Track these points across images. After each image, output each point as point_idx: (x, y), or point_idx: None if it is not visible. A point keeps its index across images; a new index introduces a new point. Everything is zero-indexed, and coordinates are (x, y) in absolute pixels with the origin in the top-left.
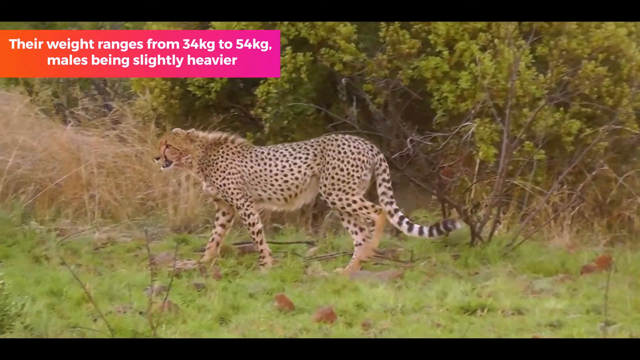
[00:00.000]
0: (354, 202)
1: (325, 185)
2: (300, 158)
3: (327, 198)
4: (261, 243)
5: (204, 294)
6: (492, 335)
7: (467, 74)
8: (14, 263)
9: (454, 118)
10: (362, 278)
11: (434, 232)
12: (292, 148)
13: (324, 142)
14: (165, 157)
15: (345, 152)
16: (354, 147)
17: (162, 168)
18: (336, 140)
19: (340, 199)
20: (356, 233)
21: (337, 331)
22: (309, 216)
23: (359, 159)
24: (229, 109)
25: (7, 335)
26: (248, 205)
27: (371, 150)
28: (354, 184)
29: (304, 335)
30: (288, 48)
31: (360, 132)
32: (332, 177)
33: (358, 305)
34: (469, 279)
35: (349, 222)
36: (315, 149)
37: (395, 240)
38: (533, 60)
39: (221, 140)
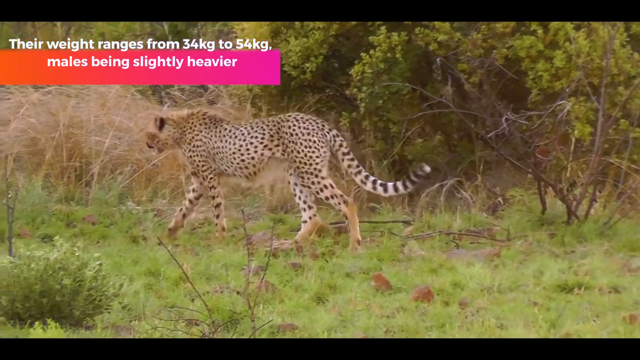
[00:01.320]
0: (325, 187)
1: (295, 169)
2: (256, 137)
3: (302, 182)
4: (217, 217)
5: (301, 273)
6: (589, 314)
7: (562, 53)
8: (111, 243)
9: (548, 97)
10: (458, 257)
11: (408, 184)
12: (251, 127)
13: (279, 123)
14: (147, 144)
15: (297, 134)
16: (304, 128)
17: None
18: (287, 121)
19: (312, 183)
20: (304, 210)
21: (434, 310)
22: (405, 195)
23: (310, 139)
24: (324, 89)
25: (106, 315)
26: (211, 178)
27: (322, 129)
28: (317, 164)
29: (402, 315)
30: (383, 28)
31: (455, 111)
32: (295, 161)
33: (455, 284)
34: (565, 257)
35: (299, 197)
36: (271, 129)
37: (492, 219)
38: (627, 39)
39: (193, 113)
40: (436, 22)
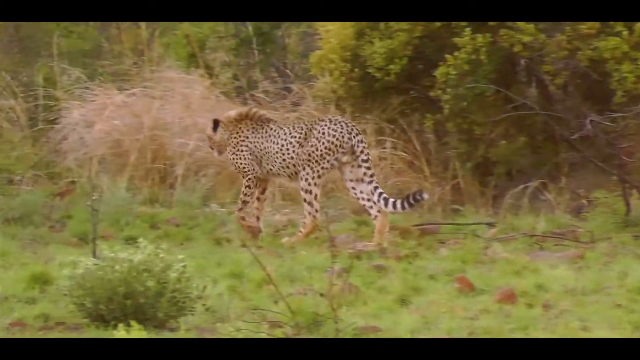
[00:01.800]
0: (310, 191)
1: (306, 160)
2: (295, 137)
3: (301, 173)
4: (240, 210)
5: (384, 275)
6: None
7: None
8: (195, 245)
9: (633, 98)
10: (542, 259)
11: (405, 205)
12: (292, 127)
13: (315, 123)
14: (209, 146)
15: (323, 134)
16: (332, 129)
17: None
18: (322, 121)
19: (307, 177)
20: (371, 208)
21: (518, 312)
22: (489, 197)
23: (329, 141)
24: (409, 91)
25: (189, 317)
26: (249, 179)
27: (349, 133)
28: (323, 168)
29: (485, 317)
30: (467, 29)
31: (539, 112)
32: (310, 155)
33: (538, 286)
34: None
35: (361, 198)
36: (309, 129)
37: (576, 221)
38: None
39: (241, 114)
40: (521, 24)
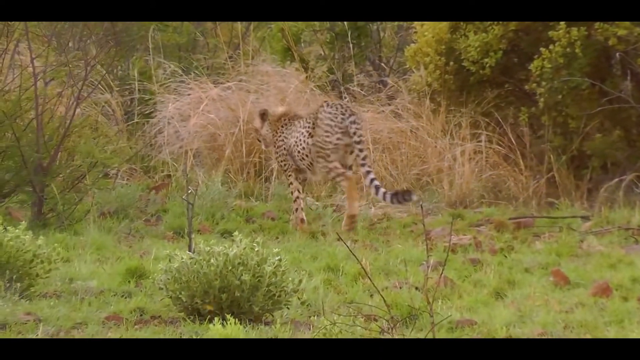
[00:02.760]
0: (330, 169)
1: (316, 152)
2: (305, 128)
3: (316, 165)
4: (296, 211)
5: (479, 269)
6: None
7: None
8: (290, 239)
9: None
10: (638, 252)
11: (394, 200)
12: (305, 119)
13: (316, 112)
14: (257, 139)
15: (321, 119)
16: (327, 112)
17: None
18: (320, 107)
19: (321, 165)
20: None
21: (613, 306)
22: (584, 190)
23: (329, 124)
24: (503, 84)
25: (285, 311)
26: (289, 175)
27: (342, 114)
28: (328, 149)
29: (580, 310)
30: (562, 23)
31: (635, 106)
32: (316, 145)
33: (634, 279)
34: None
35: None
36: (315, 119)
37: None
38: None
39: (282, 114)
40: None
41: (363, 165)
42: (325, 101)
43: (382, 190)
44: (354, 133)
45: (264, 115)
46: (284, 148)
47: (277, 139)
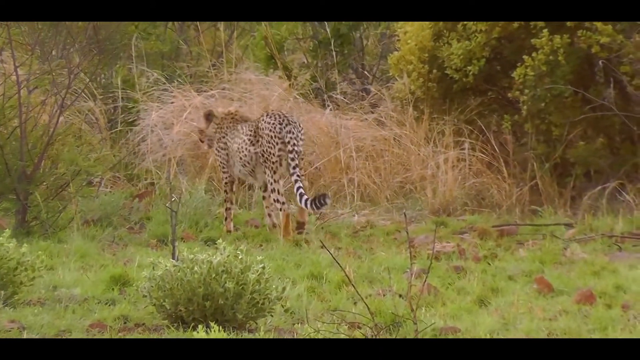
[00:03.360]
0: (275, 189)
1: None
2: (247, 135)
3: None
4: (225, 220)
5: (463, 276)
6: None
7: None
8: (274, 247)
9: None
10: (621, 260)
11: (314, 206)
12: (247, 126)
13: (257, 121)
14: (199, 139)
15: (262, 129)
16: (266, 122)
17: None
18: (261, 116)
19: (268, 177)
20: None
21: (597, 313)
22: (567, 198)
23: (269, 135)
24: (487, 92)
25: (268, 319)
26: (226, 184)
27: (280, 124)
28: (274, 162)
29: (564, 318)
30: (545, 31)
31: (618, 113)
32: (262, 155)
33: (617, 287)
34: None
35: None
36: (256, 127)
37: None
38: None
39: (226, 113)
40: (598, 25)
41: (292, 174)
42: (265, 111)
43: (305, 197)
44: (288, 142)
45: (209, 116)
46: (226, 153)
47: (219, 139)
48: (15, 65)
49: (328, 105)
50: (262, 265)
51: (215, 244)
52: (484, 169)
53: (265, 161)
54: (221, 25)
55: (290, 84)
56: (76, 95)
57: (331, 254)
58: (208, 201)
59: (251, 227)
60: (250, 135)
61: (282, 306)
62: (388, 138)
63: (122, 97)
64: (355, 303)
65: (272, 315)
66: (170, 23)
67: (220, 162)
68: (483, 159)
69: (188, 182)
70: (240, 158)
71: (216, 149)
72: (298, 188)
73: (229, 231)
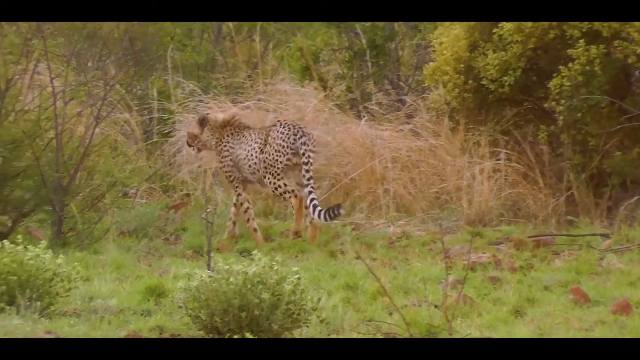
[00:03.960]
0: (279, 186)
1: (263, 168)
2: (257, 142)
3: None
4: (248, 221)
5: (499, 287)
6: None
7: None
8: (309, 257)
9: None
10: None
11: (326, 217)
12: (256, 133)
13: (269, 129)
14: (187, 143)
15: (274, 138)
16: (280, 132)
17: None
18: (274, 126)
19: (269, 182)
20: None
21: (633, 323)
22: (603, 208)
23: (280, 144)
24: (522, 102)
25: (304, 329)
26: (237, 186)
27: (294, 135)
28: (279, 169)
29: (600, 328)
30: (581, 41)
31: None
32: (265, 161)
33: None
34: None
35: None
36: (266, 135)
37: None
38: None
39: (227, 121)
40: (635, 35)
41: (307, 185)
42: (278, 120)
43: (319, 209)
44: (303, 154)
45: (203, 121)
46: (230, 159)
47: (222, 148)
48: (51, 77)
49: (363, 116)
50: (298, 276)
51: (251, 255)
52: (519, 179)
53: (267, 167)
54: (257, 36)
55: (325, 95)
56: (112, 106)
57: (367, 265)
58: (243, 212)
59: (286, 237)
60: (261, 143)
61: (318, 317)
62: (423, 149)
63: (157, 109)
64: (390, 314)
65: (307, 326)
66: (206, 35)
67: (225, 167)
68: (519, 169)
69: (223, 193)
70: (250, 165)
71: (219, 155)
72: (312, 200)
73: (255, 230)
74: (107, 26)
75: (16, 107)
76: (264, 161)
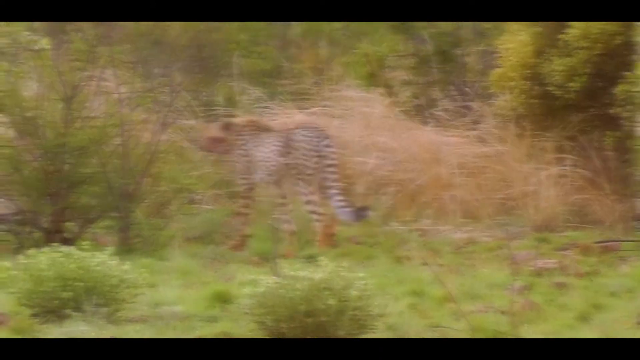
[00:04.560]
0: (310, 201)
1: (295, 175)
2: (275, 145)
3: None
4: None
5: (565, 292)
6: None
7: None
8: (376, 264)
9: None
10: None
11: (354, 217)
12: (274, 137)
13: (288, 132)
14: (204, 147)
15: (298, 141)
16: (302, 136)
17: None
18: (296, 129)
19: (302, 190)
20: None
21: None
22: None
23: (305, 148)
24: (589, 108)
25: (369, 336)
26: (246, 190)
27: (317, 138)
28: (309, 174)
29: None
30: None
31: None
32: (296, 168)
33: None
34: None
35: None
36: (286, 139)
37: None
38: None
39: (245, 123)
40: None
41: (332, 187)
42: (300, 123)
43: (346, 209)
44: (326, 156)
45: (229, 126)
46: (246, 160)
47: (239, 146)
48: (117, 84)
49: (429, 122)
50: (364, 282)
51: (317, 261)
52: (586, 185)
53: (299, 173)
54: (322, 43)
55: (391, 101)
56: (178, 113)
57: (433, 271)
58: (308, 218)
59: (353, 243)
60: (280, 146)
61: (384, 323)
62: (490, 155)
63: (223, 115)
64: (457, 319)
65: (374, 332)
66: (272, 41)
67: (241, 168)
68: (585, 175)
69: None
70: (267, 168)
71: (237, 156)
72: (339, 200)
73: (246, 236)
74: (173, 32)
75: (82, 114)
76: (295, 167)
